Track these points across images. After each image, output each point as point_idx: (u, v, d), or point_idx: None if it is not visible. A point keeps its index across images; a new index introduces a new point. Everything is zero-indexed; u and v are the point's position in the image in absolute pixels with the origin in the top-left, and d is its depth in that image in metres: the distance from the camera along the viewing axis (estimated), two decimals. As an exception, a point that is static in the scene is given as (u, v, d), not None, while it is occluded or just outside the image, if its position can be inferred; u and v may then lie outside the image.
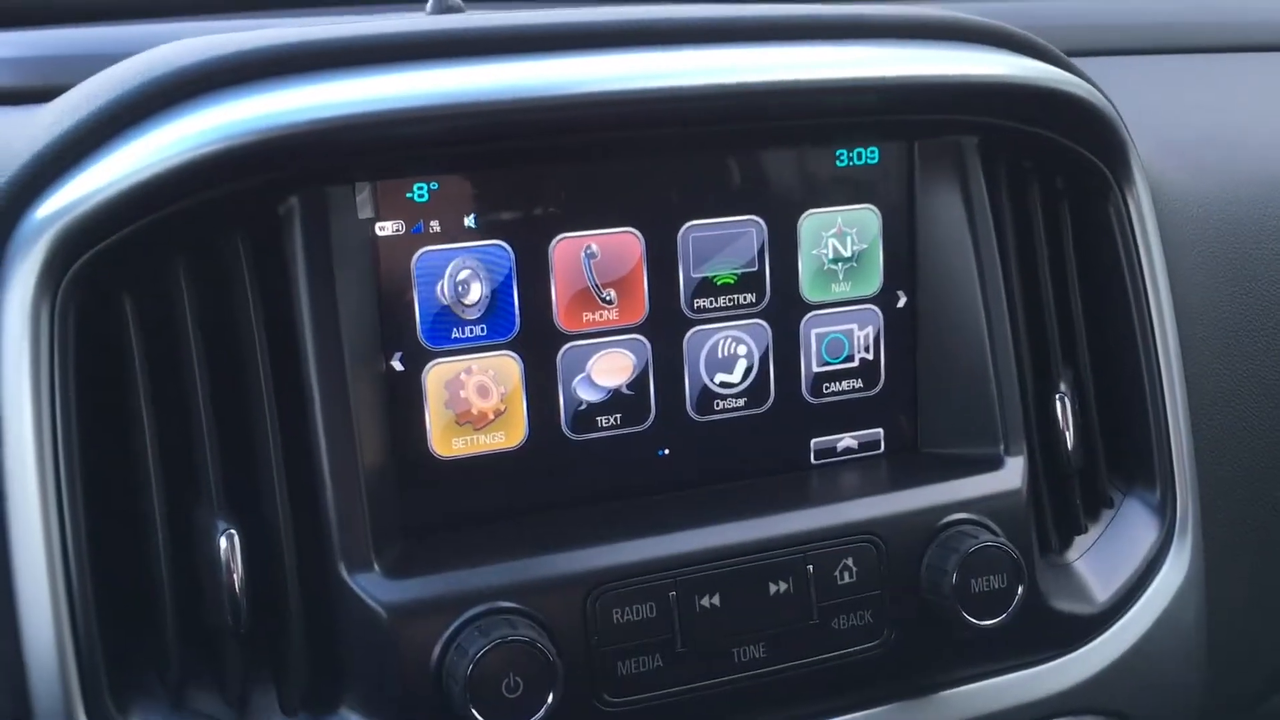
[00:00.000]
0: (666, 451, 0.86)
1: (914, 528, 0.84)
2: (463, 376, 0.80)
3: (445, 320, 0.79)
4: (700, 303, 0.85)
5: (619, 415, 0.84)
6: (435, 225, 0.78)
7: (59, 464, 0.70)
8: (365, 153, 0.75)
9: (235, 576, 0.73)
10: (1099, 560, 0.95)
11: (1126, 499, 0.97)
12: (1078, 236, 0.95)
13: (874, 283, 0.89)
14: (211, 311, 0.75)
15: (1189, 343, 0.99)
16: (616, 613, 0.78)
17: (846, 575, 0.83)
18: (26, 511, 0.70)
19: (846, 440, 0.90)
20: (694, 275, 0.84)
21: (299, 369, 0.75)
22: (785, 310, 0.87)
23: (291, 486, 0.75)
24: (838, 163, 0.87)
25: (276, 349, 0.75)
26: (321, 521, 0.75)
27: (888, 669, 0.85)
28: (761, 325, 0.87)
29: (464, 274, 0.79)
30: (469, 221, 0.79)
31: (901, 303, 0.90)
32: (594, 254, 0.82)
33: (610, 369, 0.83)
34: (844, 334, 0.89)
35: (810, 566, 0.82)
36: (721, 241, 0.84)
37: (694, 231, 0.83)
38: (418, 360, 0.79)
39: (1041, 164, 0.93)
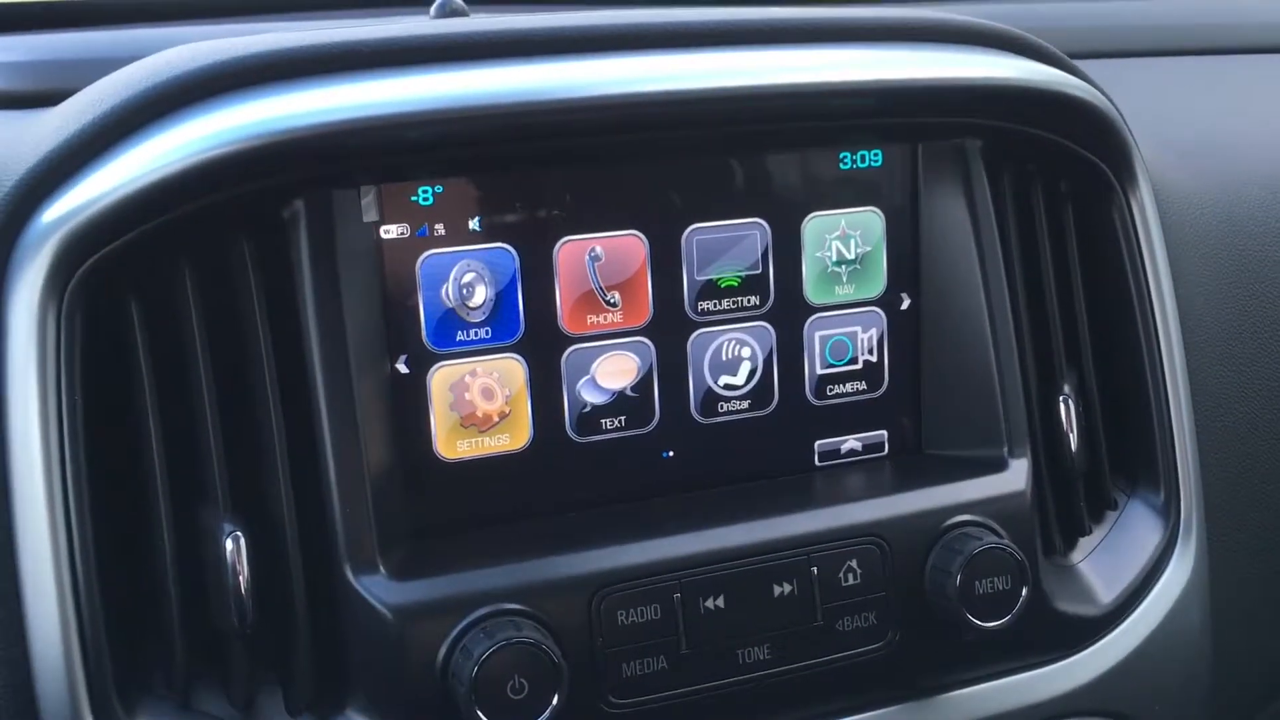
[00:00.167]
0: (671, 454, 0.86)
1: (918, 529, 0.84)
2: (467, 379, 0.80)
3: (450, 323, 0.79)
4: (704, 305, 0.85)
5: (623, 418, 0.84)
6: (440, 228, 0.78)
7: (66, 466, 0.70)
8: (370, 156, 0.75)
9: (241, 578, 0.73)
10: (1103, 562, 0.95)
11: (1130, 501, 0.97)
12: (1081, 239, 0.95)
13: (878, 285, 0.89)
14: (217, 314, 0.75)
15: (1192, 344, 0.99)
16: (621, 614, 0.78)
17: (851, 577, 0.83)
18: (33, 513, 0.70)
19: (851, 442, 0.90)
20: (698, 278, 0.84)
21: (304, 371, 0.75)
22: (789, 312, 0.87)
23: (297, 489, 0.76)
24: (841, 165, 0.87)
25: (282, 352, 0.76)
26: (327, 523, 0.75)
27: (892, 671, 0.85)
28: (765, 328, 0.87)
29: (469, 277, 0.79)
30: (473, 224, 0.79)
31: (905, 305, 0.90)
32: (598, 257, 0.82)
33: (614, 371, 0.83)
34: (848, 336, 0.89)
35: (814, 568, 0.82)
36: (725, 244, 0.84)
37: (698, 234, 0.84)
38: (423, 363, 0.79)
39: (1045, 166, 0.93)
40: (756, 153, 0.85)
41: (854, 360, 0.89)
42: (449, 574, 0.76)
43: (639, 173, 0.82)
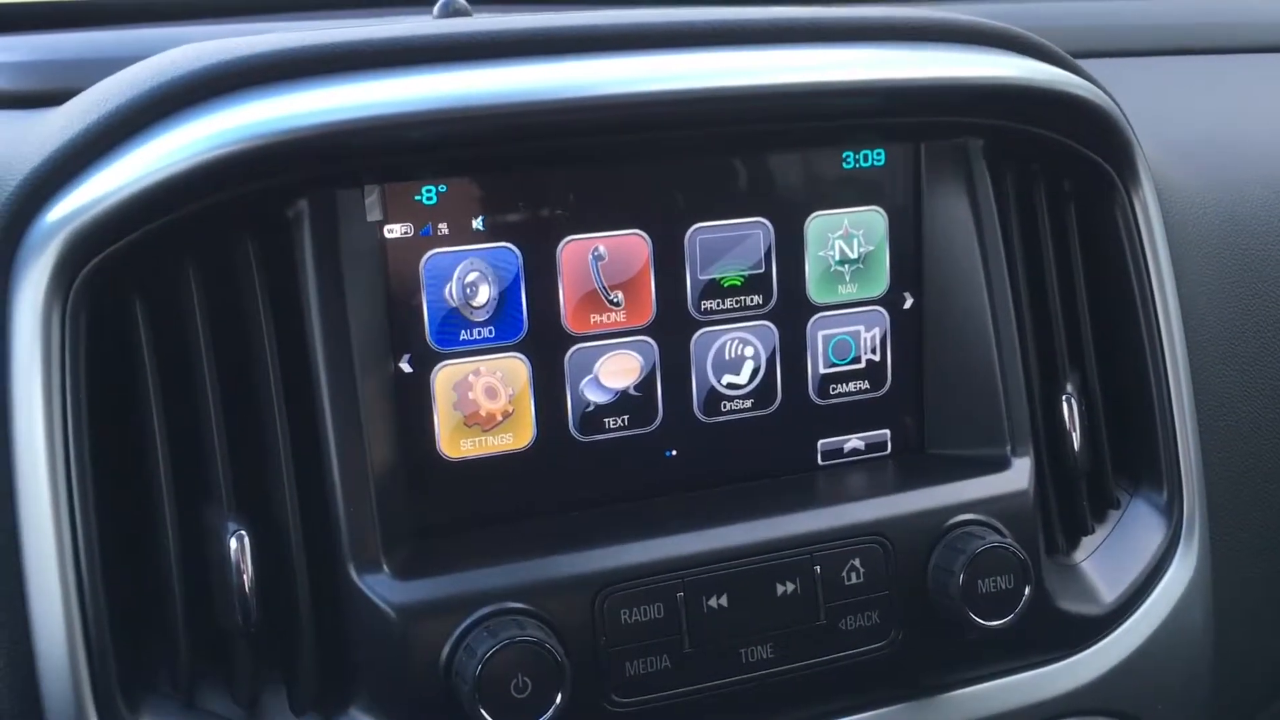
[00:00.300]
0: (674, 453, 0.86)
1: (921, 528, 0.84)
2: (471, 378, 0.80)
3: (453, 322, 0.79)
4: (707, 304, 0.85)
5: (626, 417, 0.84)
6: (443, 228, 0.78)
7: (70, 466, 0.71)
8: (373, 156, 0.75)
9: (245, 577, 0.74)
10: (1106, 561, 0.95)
11: (1133, 500, 0.97)
12: (1084, 238, 0.95)
13: (881, 284, 0.89)
14: (221, 314, 0.75)
15: (1195, 343, 0.99)
16: (624, 613, 0.78)
17: (854, 576, 0.83)
18: (38, 512, 0.70)
19: (853, 441, 0.91)
20: (701, 277, 0.84)
21: (309, 371, 0.75)
22: (792, 312, 0.87)
23: (301, 488, 0.76)
24: (844, 165, 0.87)
25: (286, 351, 0.76)
26: (331, 522, 0.75)
27: (895, 669, 0.85)
28: (768, 327, 0.87)
29: (472, 276, 0.79)
30: (477, 224, 0.79)
31: (908, 304, 0.90)
32: (601, 256, 0.82)
33: (618, 370, 0.84)
34: (851, 335, 0.89)
35: (817, 567, 0.82)
36: (728, 243, 0.85)
37: (701, 233, 0.84)
38: (426, 362, 0.79)
39: (1048, 165, 0.93)
40: (759, 152, 0.85)
41: (857, 359, 0.89)
42: (452, 573, 0.76)
43: (642, 172, 0.82)
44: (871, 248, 0.88)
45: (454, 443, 0.81)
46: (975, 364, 0.89)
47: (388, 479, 0.78)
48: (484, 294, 0.80)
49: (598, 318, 0.82)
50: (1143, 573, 0.95)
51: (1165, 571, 0.95)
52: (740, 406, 0.87)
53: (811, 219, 0.86)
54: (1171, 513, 0.96)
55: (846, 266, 0.88)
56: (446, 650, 0.74)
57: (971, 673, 0.90)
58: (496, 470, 0.82)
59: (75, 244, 0.70)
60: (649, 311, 0.84)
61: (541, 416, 0.82)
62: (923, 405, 0.91)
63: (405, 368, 0.79)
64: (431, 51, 0.77)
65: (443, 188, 0.78)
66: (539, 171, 0.80)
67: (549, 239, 0.81)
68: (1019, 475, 0.87)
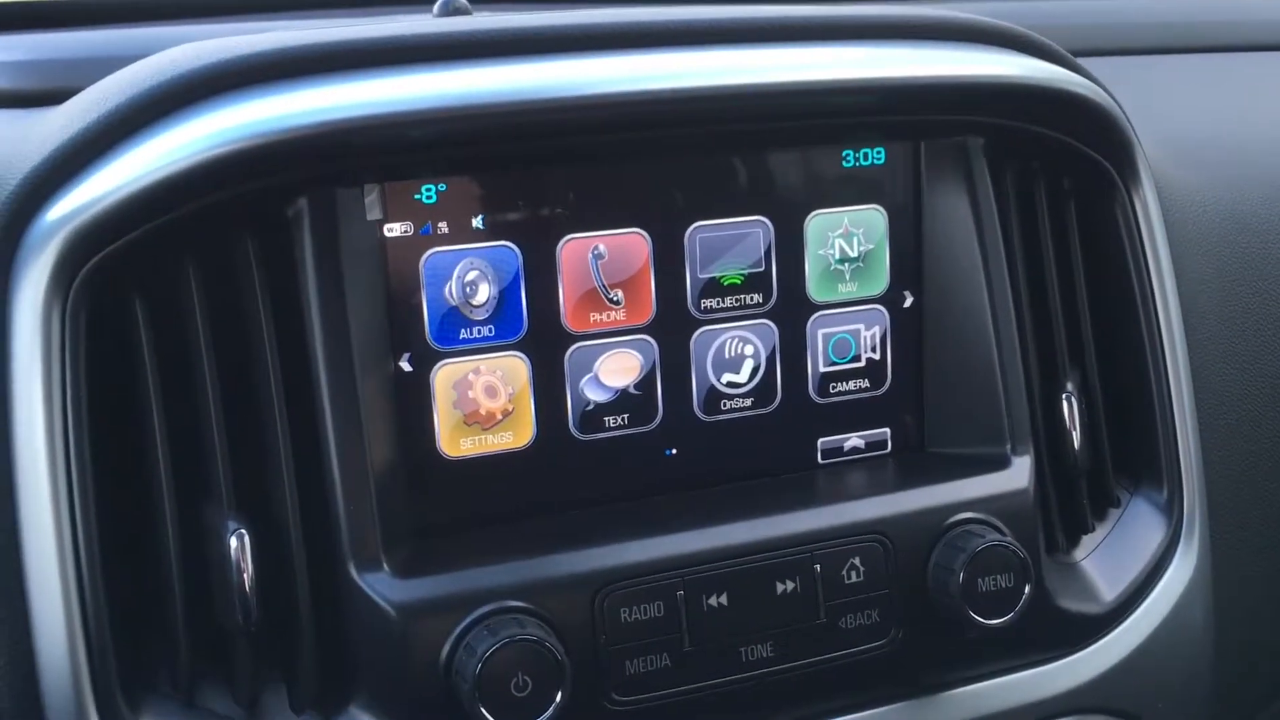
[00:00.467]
0: (674, 451, 0.86)
1: (921, 527, 0.84)
2: (471, 377, 0.80)
3: (453, 321, 0.80)
4: (707, 303, 0.85)
5: (626, 415, 0.84)
6: (443, 226, 0.78)
7: (70, 464, 0.71)
8: (373, 155, 0.75)
9: (245, 576, 0.74)
10: (1106, 559, 0.95)
11: (1133, 498, 0.97)
12: (1084, 236, 0.95)
13: (880, 283, 0.89)
14: (221, 313, 0.75)
15: (1196, 342, 0.99)
16: (624, 612, 0.78)
17: (854, 574, 0.83)
18: (39, 511, 0.70)
19: (853, 440, 0.91)
20: (701, 276, 0.84)
21: (308, 369, 0.75)
22: (792, 310, 0.87)
23: (301, 486, 0.76)
24: (844, 163, 0.87)
25: (286, 350, 0.76)
26: (331, 521, 0.75)
27: (895, 668, 0.86)
28: (768, 325, 0.87)
29: (472, 275, 0.79)
30: (477, 223, 0.79)
31: (908, 303, 0.90)
32: (601, 255, 0.82)
33: (618, 369, 0.84)
34: (851, 334, 0.89)
35: (817, 566, 0.82)
36: (728, 242, 0.85)
37: (701, 232, 0.84)
38: (426, 361, 0.79)
39: (1048, 164, 0.93)
40: (759, 151, 0.85)
41: (857, 358, 0.89)
42: (452, 571, 0.76)
43: (642, 171, 0.82)
44: (871, 246, 0.88)
45: (454, 441, 0.81)
46: (975, 362, 0.89)
47: (388, 478, 0.78)
48: (484, 293, 0.80)
49: (597, 316, 0.82)
50: (1143, 571, 0.95)
51: (1165, 570, 0.96)
52: (740, 405, 0.87)
53: (811, 217, 0.86)
54: (1172, 511, 0.96)
55: (846, 265, 0.88)
56: (447, 649, 0.74)
57: (971, 671, 0.90)
58: (496, 469, 0.82)
59: (75, 243, 0.70)
60: (649, 310, 0.84)
61: (541, 415, 0.82)
62: (923, 404, 0.91)
63: (405, 366, 0.79)
64: (431, 50, 0.77)
65: (442, 186, 0.78)
66: (539, 170, 0.80)
67: (549, 238, 0.81)
68: (1019, 474, 0.88)
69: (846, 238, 0.87)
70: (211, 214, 0.73)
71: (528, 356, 0.81)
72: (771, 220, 0.85)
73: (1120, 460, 0.97)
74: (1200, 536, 0.96)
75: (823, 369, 0.89)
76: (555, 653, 0.73)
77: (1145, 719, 0.96)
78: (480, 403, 0.81)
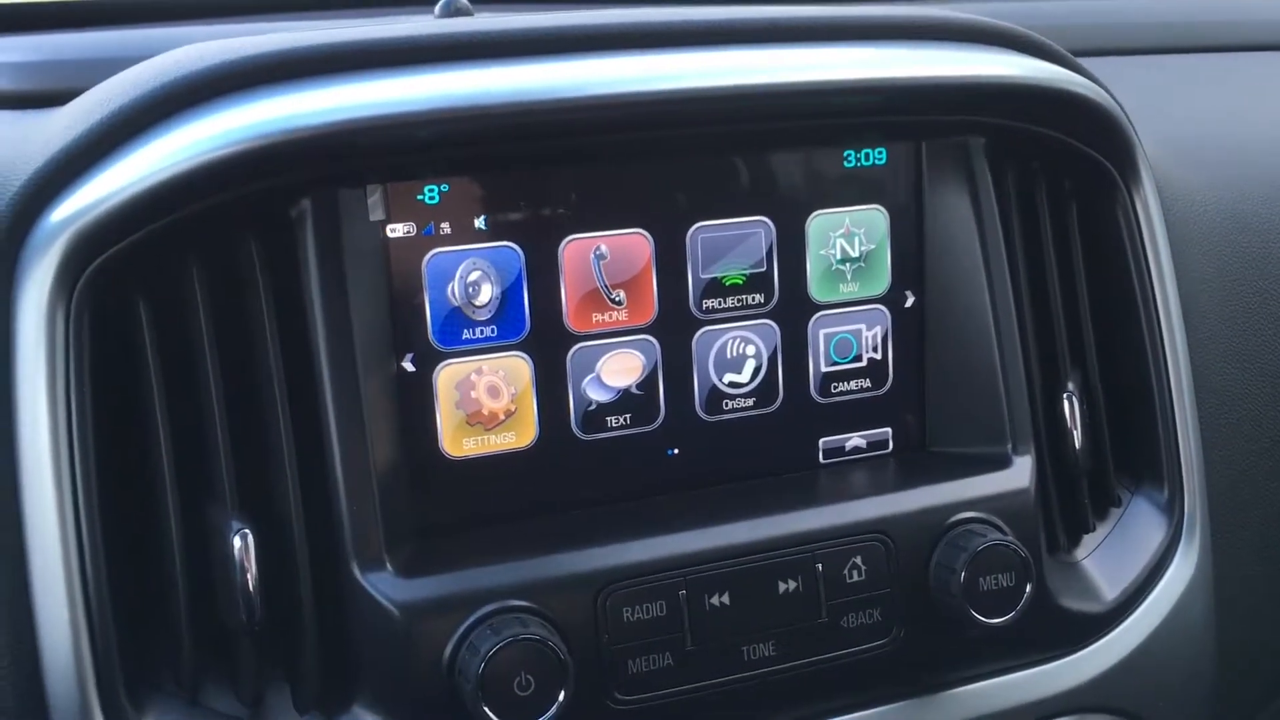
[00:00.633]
0: (676, 451, 0.86)
1: (922, 526, 0.84)
2: (473, 377, 0.81)
3: (456, 321, 0.80)
4: (709, 303, 0.85)
5: (628, 415, 0.84)
6: (446, 227, 0.79)
7: (75, 465, 0.71)
8: (376, 155, 0.76)
9: (249, 575, 0.74)
10: (1107, 559, 0.95)
11: (1134, 498, 0.97)
12: (1085, 236, 0.95)
13: (882, 283, 0.89)
14: (224, 313, 0.75)
15: (1197, 341, 0.99)
16: (627, 611, 0.78)
17: (855, 574, 0.83)
18: (43, 512, 0.70)
19: (855, 439, 0.91)
20: (703, 276, 0.84)
21: (312, 370, 0.75)
22: (794, 310, 0.87)
23: (304, 486, 0.76)
24: (845, 163, 0.87)
25: (289, 350, 0.76)
26: (334, 521, 0.75)
27: (896, 667, 0.86)
28: (770, 325, 0.87)
29: (474, 275, 0.80)
30: (479, 223, 0.79)
31: (909, 303, 0.90)
32: (603, 255, 0.82)
33: (620, 369, 0.84)
34: (852, 334, 0.89)
35: (819, 565, 0.82)
36: (730, 242, 0.85)
37: (703, 232, 0.84)
38: (429, 361, 0.80)
39: (1049, 164, 0.93)
40: (761, 151, 0.85)
41: (858, 358, 0.90)
42: (455, 571, 0.76)
43: (644, 171, 0.82)
44: (873, 246, 0.88)
45: (456, 441, 0.81)
46: (976, 362, 0.89)
47: (390, 477, 0.78)
48: (486, 293, 0.80)
49: (600, 317, 0.83)
50: (1144, 570, 0.95)
51: (1166, 569, 0.96)
52: (742, 405, 0.87)
53: (813, 218, 0.87)
54: (1173, 510, 0.96)
55: (848, 265, 0.88)
56: (449, 648, 0.75)
57: (973, 670, 0.90)
58: (499, 469, 0.82)
59: (79, 244, 0.70)
60: (651, 310, 0.84)
61: (544, 415, 0.82)
62: (924, 403, 0.91)
63: (408, 367, 0.79)
64: (433, 51, 0.77)
65: (445, 187, 0.78)
66: (541, 171, 0.80)
67: (551, 238, 0.81)
68: (1020, 473, 0.88)
69: (848, 238, 0.88)
70: (215, 215, 0.73)
71: (530, 357, 0.82)
72: (773, 220, 0.86)
73: (1121, 460, 0.97)
74: (1201, 536, 0.96)
75: (824, 369, 0.89)
76: (558, 652, 0.73)
77: (1146, 718, 0.96)
78: (483, 403, 0.81)
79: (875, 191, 0.88)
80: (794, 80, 0.81)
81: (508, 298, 0.80)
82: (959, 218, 0.89)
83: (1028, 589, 0.83)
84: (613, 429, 0.84)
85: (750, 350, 0.87)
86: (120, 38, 1.03)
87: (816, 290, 0.88)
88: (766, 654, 0.82)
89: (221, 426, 0.75)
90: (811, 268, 0.87)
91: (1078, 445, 0.93)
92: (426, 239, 0.78)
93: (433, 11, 0.92)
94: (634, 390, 0.84)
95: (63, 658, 0.71)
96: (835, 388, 0.89)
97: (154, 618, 0.75)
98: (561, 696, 0.73)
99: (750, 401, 0.87)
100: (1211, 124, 1.15)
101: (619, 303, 0.83)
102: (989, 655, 0.90)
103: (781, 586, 0.82)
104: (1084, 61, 0.92)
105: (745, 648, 0.81)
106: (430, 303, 0.79)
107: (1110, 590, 0.94)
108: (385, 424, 0.78)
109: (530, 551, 0.78)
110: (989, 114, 0.88)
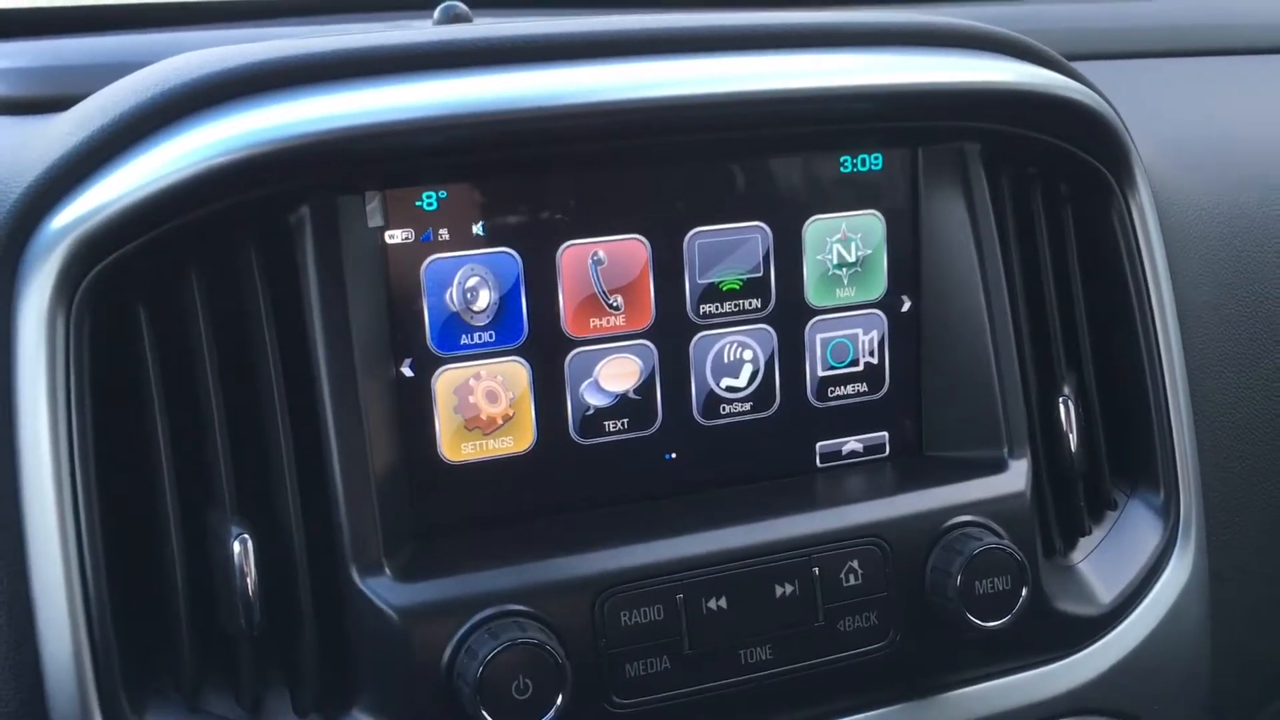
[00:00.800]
0: (673, 455, 0.86)
1: (919, 530, 0.85)
2: (472, 382, 0.81)
3: (454, 327, 0.80)
4: (706, 308, 0.85)
5: (626, 420, 0.85)
6: (444, 233, 0.79)
7: (75, 471, 0.71)
8: (375, 162, 0.76)
9: (248, 580, 0.74)
10: (1103, 562, 0.95)
11: (1130, 501, 0.98)
12: (1080, 241, 0.95)
13: (878, 288, 0.90)
14: (224, 319, 0.76)
15: (1192, 345, 0.99)
16: (624, 615, 0.78)
17: (852, 577, 0.83)
18: (43, 517, 0.71)
19: (851, 443, 0.91)
20: (700, 281, 0.85)
21: (311, 375, 0.76)
22: (790, 315, 0.88)
23: (304, 491, 0.76)
24: (842, 169, 0.87)
25: (288, 356, 0.76)
26: (333, 525, 0.76)
27: (893, 670, 0.86)
28: (767, 330, 0.87)
29: (473, 281, 0.80)
30: (477, 229, 0.80)
31: (906, 307, 0.90)
32: (601, 261, 0.82)
33: (617, 374, 0.84)
34: (849, 338, 0.89)
35: (816, 569, 0.82)
36: (727, 248, 0.85)
37: (700, 238, 0.84)
38: (427, 366, 0.80)
39: (1044, 169, 0.94)
40: (757, 157, 0.85)
41: (855, 362, 0.90)
42: (454, 575, 0.77)
43: (641, 177, 0.83)
44: (869, 251, 0.89)
45: (455, 446, 0.81)
46: (972, 366, 0.89)
47: (389, 482, 0.78)
48: (484, 298, 0.80)
49: (597, 322, 0.83)
50: (1140, 573, 0.95)
51: (1162, 572, 0.96)
52: (739, 409, 0.87)
53: (809, 223, 0.87)
54: (1168, 513, 0.96)
55: (844, 270, 0.88)
56: (448, 652, 0.75)
57: (969, 673, 0.90)
58: (497, 473, 0.82)
59: (79, 250, 0.70)
60: (648, 315, 0.84)
61: (542, 420, 0.83)
62: (920, 408, 0.92)
63: (406, 372, 0.80)
64: (432, 58, 0.77)
65: (443, 193, 0.79)
66: (539, 177, 0.81)
67: (549, 244, 0.81)
68: (1016, 477, 0.88)
69: (844, 243, 0.88)
70: (214, 221, 0.73)
71: (528, 362, 0.82)
72: (770, 226, 0.86)
73: (1117, 463, 0.97)
74: (1197, 538, 0.97)
75: (821, 373, 0.89)
76: (556, 656, 0.74)
77: (1143, 720, 0.96)
78: (481, 408, 0.81)
79: (871, 197, 0.88)
80: (790, 87, 0.81)
81: (506, 303, 0.81)
82: (955, 222, 0.89)
83: (1024, 592, 0.83)
84: (610, 434, 0.85)
85: (747, 355, 0.87)
86: (120, 43, 1.04)
87: (813, 295, 0.88)
88: (764, 657, 0.82)
89: (221, 432, 0.75)
90: (808, 273, 0.87)
91: (1073, 449, 0.93)
92: (425, 245, 0.79)
93: (431, 18, 0.92)
94: (632, 395, 0.85)
95: (63, 662, 0.71)
96: (832, 392, 0.90)
97: (154, 622, 0.75)
98: (559, 700, 0.74)
99: (747, 406, 0.88)
100: (1206, 128, 1.15)
101: (617, 308, 0.83)
102: (985, 658, 0.90)
103: (778, 590, 0.82)
104: (1079, 66, 0.93)
105: (742, 651, 0.81)
106: (429, 308, 0.79)
107: (1106, 593, 0.94)
108: (384, 429, 0.78)
109: (528, 556, 0.78)
110: (984, 120, 0.88)
